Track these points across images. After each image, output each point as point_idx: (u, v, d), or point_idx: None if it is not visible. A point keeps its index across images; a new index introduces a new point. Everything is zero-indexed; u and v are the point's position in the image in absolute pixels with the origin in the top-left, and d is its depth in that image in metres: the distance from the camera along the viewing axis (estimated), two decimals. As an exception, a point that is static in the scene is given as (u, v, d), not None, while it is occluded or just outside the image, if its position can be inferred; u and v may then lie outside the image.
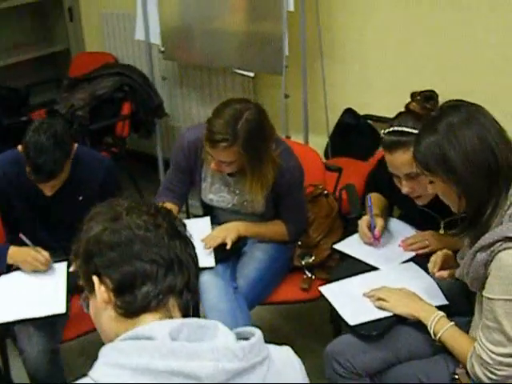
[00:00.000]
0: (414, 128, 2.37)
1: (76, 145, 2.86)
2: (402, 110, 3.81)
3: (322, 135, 4.25)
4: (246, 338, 1.32)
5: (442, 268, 2.41)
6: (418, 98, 2.46)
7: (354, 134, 4.17)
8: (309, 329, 3.60)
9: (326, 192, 3.18)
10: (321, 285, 2.63)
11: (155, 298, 1.37)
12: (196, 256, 1.46)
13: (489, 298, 1.98)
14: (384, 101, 4.04)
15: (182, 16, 4.34)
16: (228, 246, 2.81)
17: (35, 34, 5.92)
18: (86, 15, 5.64)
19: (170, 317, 1.39)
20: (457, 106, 2.10)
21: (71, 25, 5.71)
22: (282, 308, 3.62)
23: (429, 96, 2.45)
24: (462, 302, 2.39)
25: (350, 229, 2.93)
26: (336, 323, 3.07)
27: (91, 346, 3.31)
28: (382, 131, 2.58)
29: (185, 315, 1.42)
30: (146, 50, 4.60)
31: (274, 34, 3.89)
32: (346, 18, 4.03)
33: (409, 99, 3.80)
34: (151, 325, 1.32)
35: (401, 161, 2.46)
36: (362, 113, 4.16)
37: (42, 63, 5.77)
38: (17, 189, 2.85)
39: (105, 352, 1.30)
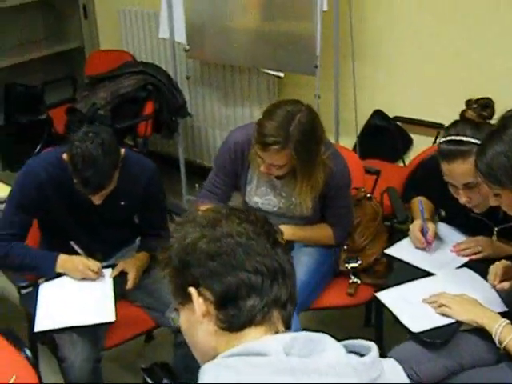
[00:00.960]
0: (473, 137, 2.33)
1: (123, 150, 2.77)
2: (431, 112, 3.90)
3: (351, 137, 4.22)
4: (355, 352, 1.27)
5: (502, 279, 2.38)
6: (475, 106, 2.41)
7: (383, 135, 4.14)
8: (343, 334, 3.54)
9: (369, 195, 3.13)
10: (374, 290, 2.59)
11: (261, 311, 1.30)
12: (293, 265, 1.39)
13: None
14: (414, 103, 4.03)
15: (209, 14, 4.27)
16: None
17: (49, 31, 5.87)
18: (101, 13, 5.58)
19: (276, 330, 1.32)
20: None
21: (86, 22, 5.64)
22: (316, 313, 3.57)
23: (485, 104, 2.41)
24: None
25: (395, 233, 2.90)
26: (379, 328, 3.04)
27: (122, 353, 3.29)
28: (439, 140, 2.52)
29: (286, 328, 1.35)
30: (171, 49, 4.52)
31: (306, 33, 3.85)
32: (377, 19, 4.00)
33: (437, 101, 3.88)
34: (263, 340, 1.25)
35: (460, 171, 2.40)
36: (391, 115, 4.12)
37: (56, 61, 5.70)
38: (59, 192, 2.77)
39: (210, 369, 1.23)
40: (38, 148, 4.62)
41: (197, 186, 4.61)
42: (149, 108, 4.54)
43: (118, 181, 2.72)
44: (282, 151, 2.58)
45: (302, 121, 2.59)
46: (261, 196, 2.93)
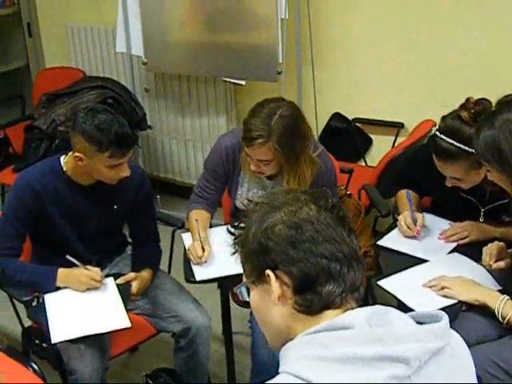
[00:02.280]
0: (469, 143, 2.47)
1: None
2: (389, 112, 4.07)
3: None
4: (420, 322, 1.36)
5: (496, 259, 2.54)
6: (472, 111, 2.56)
7: (343, 137, 4.29)
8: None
9: (349, 192, 3.26)
10: (366, 282, 2.69)
11: (338, 296, 1.34)
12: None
13: None
14: (372, 104, 4.20)
15: (166, 26, 4.35)
16: None
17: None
18: (46, 30, 5.56)
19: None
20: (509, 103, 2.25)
21: (30, 40, 5.62)
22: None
23: (481, 110, 2.53)
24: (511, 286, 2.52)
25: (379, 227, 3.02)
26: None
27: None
28: (435, 132, 2.67)
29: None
30: (128, 62, 4.57)
31: (267, 41, 3.96)
32: (335, 24, 4.15)
33: (395, 101, 4.06)
34: (345, 315, 1.31)
35: (451, 170, 2.63)
36: (351, 117, 4.28)
37: (1, 81, 5.64)
38: (55, 201, 2.79)
39: (295, 346, 1.29)
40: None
41: (158, 197, 4.66)
42: (109, 122, 4.55)
43: (109, 184, 2.78)
44: (265, 144, 2.66)
45: (283, 114, 2.68)
46: (252, 198, 3.00)
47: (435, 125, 3.89)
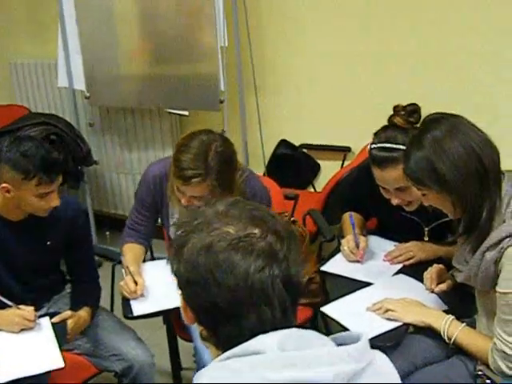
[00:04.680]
0: (403, 143, 2.44)
1: None
2: (335, 137, 4.04)
3: (260, 168, 4.28)
4: (341, 344, 1.30)
5: (437, 282, 2.52)
6: (402, 112, 2.55)
7: (290, 164, 4.24)
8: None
9: (293, 219, 3.20)
10: (313, 309, 2.63)
11: (248, 333, 1.28)
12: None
13: (504, 293, 2.05)
14: (318, 130, 4.16)
15: (107, 59, 4.28)
16: None
17: None
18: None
19: None
20: (438, 119, 2.20)
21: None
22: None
23: (412, 110, 2.55)
24: (457, 306, 2.46)
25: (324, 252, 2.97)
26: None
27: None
28: (370, 145, 2.63)
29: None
30: (71, 97, 4.49)
31: (208, 69, 3.92)
32: (276, 49, 4.13)
33: (340, 125, 4.03)
34: (257, 339, 1.26)
35: (392, 177, 2.54)
36: (297, 143, 4.23)
37: None
38: None
39: (208, 372, 1.25)
40: None
41: (108, 233, 4.57)
42: (54, 158, 4.46)
43: (42, 218, 2.69)
44: (203, 183, 2.57)
45: (218, 150, 2.59)
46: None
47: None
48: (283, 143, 4.28)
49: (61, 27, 4.29)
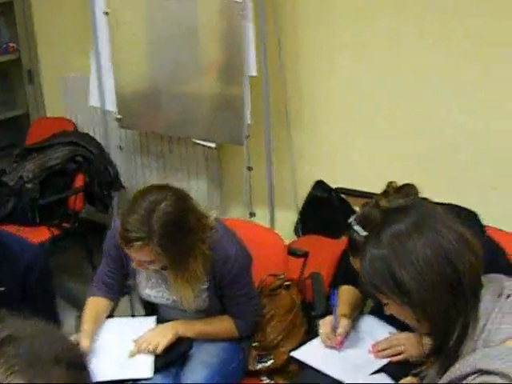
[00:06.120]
0: None
1: None
2: (376, 183, 3.56)
3: (292, 210, 3.89)
4: None
5: None
6: (391, 197, 2.08)
7: (326, 208, 3.81)
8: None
9: (287, 283, 2.79)
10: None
11: None
12: None
13: None
14: (357, 174, 3.72)
15: (139, 81, 4.00)
16: (158, 351, 2.42)
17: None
18: (46, 78, 5.31)
19: None
20: (405, 208, 1.73)
21: (31, 88, 5.37)
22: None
23: (406, 193, 2.08)
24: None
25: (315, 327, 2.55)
26: None
27: None
28: (351, 220, 2.20)
29: None
30: (102, 118, 4.24)
31: (235, 101, 3.55)
32: (315, 83, 3.70)
33: (385, 171, 3.56)
34: None
35: None
36: (334, 186, 3.80)
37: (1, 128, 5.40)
38: None
39: None
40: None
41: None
42: (79, 181, 4.24)
43: None
44: (145, 247, 2.28)
45: (165, 211, 2.28)
46: (152, 288, 2.61)
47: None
48: (319, 184, 3.84)
49: (94, 44, 4.04)
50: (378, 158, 3.61)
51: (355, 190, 3.72)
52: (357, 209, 3.71)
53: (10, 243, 2.61)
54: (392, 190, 2.13)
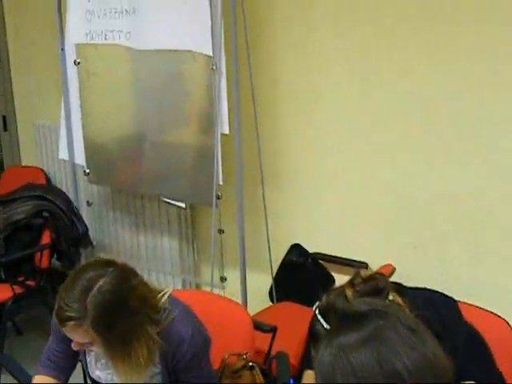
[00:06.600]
0: None
1: None
2: (354, 249, 3.38)
3: (266, 274, 3.67)
4: None
5: None
6: (358, 289, 1.87)
7: (302, 273, 3.61)
8: None
9: (251, 364, 2.56)
10: None
11: None
12: None
13: None
14: (336, 237, 3.51)
15: (108, 134, 3.81)
16: None
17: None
18: (21, 125, 5.14)
19: None
20: (363, 316, 1.52)
21: (6, 135, 5.19)
22: None
23: (369, 290, 1.87)
24: None
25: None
26: None
27: None
28: (315, 308, 1.98)
29: None
30: (71, 171, 4.05)
31: (205, 159, 3.36)
32: (291, 139, 3.52)
33: (361, 239, 3.36)
34: None
35: None
36: (311, 249, 3.59)
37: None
38: None
39: None
40: None
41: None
42: (46, 237, 4.04)
43: None
44: (78, 328, 2.06)
45: (102, 289, 2.05)
46: (102, 369, 2.38)
47: (394, 271, 3.27)
48: (295, 248, 3.63)
49: (63, 94, 3.86)
50: (359, 221, 3.41)
51: (334, 256, 3.51)
52: (334, 275, 3.56)
53: None
54: (360, 279, 1.92)
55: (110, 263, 2.15)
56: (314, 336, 1.95)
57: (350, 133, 3.32)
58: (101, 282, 2.05)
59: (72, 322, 2.04)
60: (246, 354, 2.60)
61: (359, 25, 3.16)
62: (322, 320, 1.90)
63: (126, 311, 2.09)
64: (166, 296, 2.26)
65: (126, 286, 2.11)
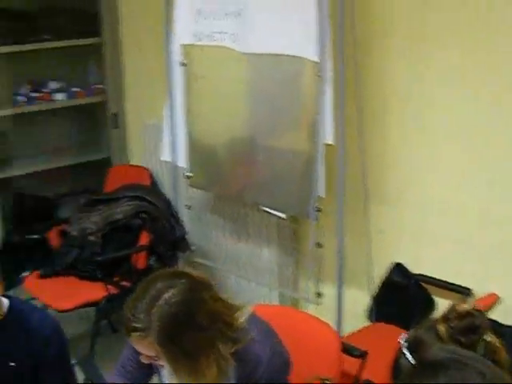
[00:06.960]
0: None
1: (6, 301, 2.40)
2: (460, 275, 3.15)
3: (364, 292, 3.50)
4: None
5: None
6: (452, 325, 1.68)
7: (403, 295, 3.40)
8: None
9: (330, 387, 2.41)
10: None
11: None
12: None
13: None
14: (444, 260, 3.27)
15: (214, 139, 3.73)
16: None
17: (77, 139, 5.43)
18: (131, 124, 5.12)
19: None
20: (440, 365, 1.35)
21: (115, 132, 5.20)
22: None
23: (467, 327, 1.67)
24: None
25: None
26: None
27: None
28: (401, 341, 1.81)
29: None
30: (172, 174, 3.99)
31: (306, 170, 3.22)
32: (400, 154, 3.33)
33: (469, 265, 3.12)
34: None
35: None
36: (414, 271, 3.38)
37: (81, 171, 5.25)
38: None
39: None
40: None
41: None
42: (143, 238, 4.00)
43: (5, 335, 2.37)
44: (143, 340, 1.97)
45: (169, 301, 1.96)
46: None
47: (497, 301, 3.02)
48: (398, 268, 3.43)
49: (168, 95, 3.81)
50: (472, 246, 3.16)
51: (439, 280, 3.29)
52: (435, 299, 3.33)
53: (29, 317, 2.44)
54: (454, 315, 1.72)
55: (182, 274, 2.06)
56: (397, 369, 1.79)
57: (464, 153, 3.10)
58: (169, 293, 1.96)
59: (137, 333, 1.97)
60: (328, 380, 2.45)
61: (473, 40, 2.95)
62: (407, 354, 1.73)
63: (194, 325, 1.98)
64: (245, 314, 2.13)
65: (195, 298, 2.00)
